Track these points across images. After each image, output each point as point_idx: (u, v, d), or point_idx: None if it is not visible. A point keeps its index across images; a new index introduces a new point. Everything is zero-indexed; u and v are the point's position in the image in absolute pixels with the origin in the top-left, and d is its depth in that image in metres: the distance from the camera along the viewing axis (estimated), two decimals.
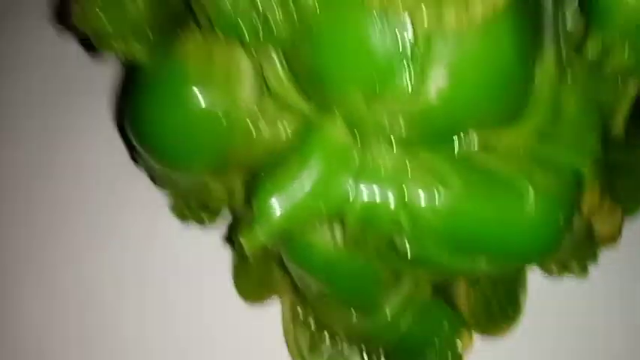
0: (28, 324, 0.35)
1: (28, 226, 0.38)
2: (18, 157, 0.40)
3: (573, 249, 0.29)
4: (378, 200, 0.24)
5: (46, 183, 0.39)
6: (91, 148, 0.39)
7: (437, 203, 0.23)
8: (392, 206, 0.24)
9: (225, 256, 0.36)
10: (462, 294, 0.31)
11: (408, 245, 0.24)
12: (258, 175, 0.25)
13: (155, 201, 0.37)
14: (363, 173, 0.24)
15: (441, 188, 0.23)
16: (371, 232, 0.24)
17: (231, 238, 0.35)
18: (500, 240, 0.24)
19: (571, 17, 0.24)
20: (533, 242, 0.24)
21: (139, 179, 0.36)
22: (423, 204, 0.23)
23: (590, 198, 0.25)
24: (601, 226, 0.28)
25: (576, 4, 0.24)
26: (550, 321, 0.34)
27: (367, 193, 0.24)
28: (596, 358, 0.33)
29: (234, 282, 0.35)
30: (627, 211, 0.29)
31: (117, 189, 0.38)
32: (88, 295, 0.36)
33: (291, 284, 0.33)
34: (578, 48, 0.23)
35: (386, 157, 0.24)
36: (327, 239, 0.26)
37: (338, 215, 0.24)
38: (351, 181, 0.24)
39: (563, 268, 0.34)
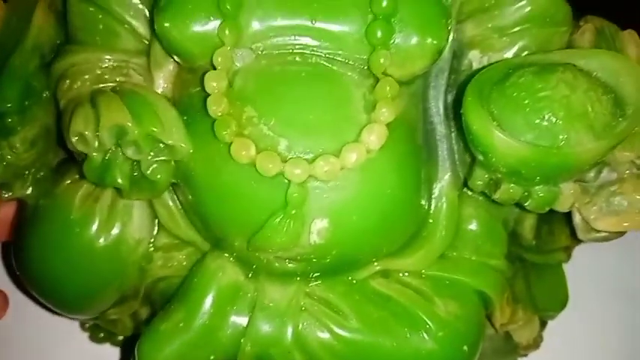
0: None
1: None
2: None
3: (496, 355, 0.28)
4: (270, 338, 0.22)
5: None
6: None
7: (332, 340, 0.22)
8: (286, 344, 0.22)
9: None
10: None
11: None
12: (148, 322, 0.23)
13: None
14: (255, 311, 0.23)
15: (336, 325, 0.22)
16: None
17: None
18: None
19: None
20: None
21: None
22: (317, 341, 0.22)
23: (501, 315, 0.24)
24: (519, 336, 0.27)
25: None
26: None
27: (259, 331, 0.22)
28: None
29: None
30: (546, 314, 0.28)
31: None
32: None
33: None
34: (466, 178, 0.23)
35: (279, 293, 0.23)
36: None
37: (231, 353, 0.23)
38: (242, 320, 0.22)
39: None
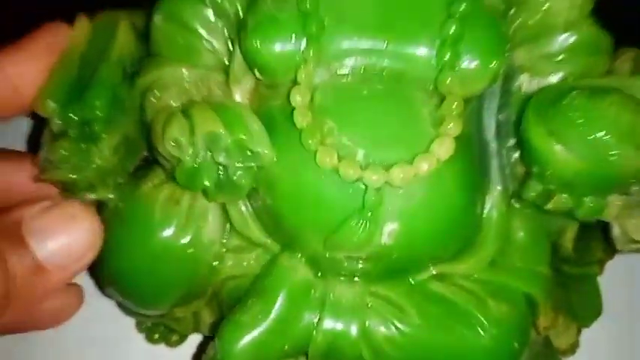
0: None
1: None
2: None
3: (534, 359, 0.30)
4: (339, 333, 0.24)
5: None
6: None
7: (396, 335, 0.24)
8: (353, 338, 0.24)
9: None
10: None
11: None
12: (225, 315, 0.25)
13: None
14: (325, 308, 0.25)
15: (399, 321, 0.24)
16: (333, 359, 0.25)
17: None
18: None
19: (514, 150, 0.26)
20: None
21: None
22: (382, 336, 0.24)
23: (544, 319, 0.26)
24: (558, 341, 0.29)
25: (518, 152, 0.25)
26: None
27: (329, 327, 0.25)
28: None
29: None
30: (583, 322, 0.30)
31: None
32: None
33: None
34: (520, 189, 0.25)
35: (346, 291, 0.25)
36: None
37: (301, 350, 0.25)
38: (313, 316, 0.25)
39: None
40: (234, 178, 0.24)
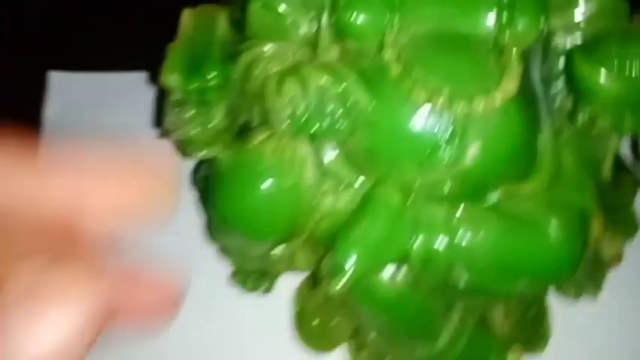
0: None
1: None
2: None
3: (585, 272, 0.36)
4: (435, 245, 0.30)
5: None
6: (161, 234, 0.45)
7: (483, 240, 0.30)
8: (446, 247, 0.30)
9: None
10: (499, 321, 0.37)
11: (463, 275, 0.30)
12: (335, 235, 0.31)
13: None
14: (419, 227, 0.30)
15: (484, 229, 0.30)
16: (431, 269, 0.30)
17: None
18: (535, 266, 0.30)
19: (559, 98, 0.32)
20: (559, 264, 0.30)
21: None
22: (472, 242, 0.30)
23: (596, 227, 0.32)
24: (607, 250, 0.34)
25: (561, 87, 0.31)
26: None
27: (425, 239, 0.30)
28: None
29: (299, 334, 0.40)
30: (625, 236, 0.35)
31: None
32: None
33: (353, 332, 0.39)
34: (570, 118, 0.31)
35: (436, 212, 0.30)
36: (390, 281, 0.32)
37: (402, 260, 0.30)
38: (410, 232, 0.30)
39: (580, 290, 0.40)
40: (337, 124, 0.30)
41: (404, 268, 0.31)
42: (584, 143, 0.33)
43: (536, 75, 0.32)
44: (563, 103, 0.31)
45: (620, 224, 0.35)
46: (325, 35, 0.32)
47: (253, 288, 0.42)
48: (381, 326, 0.34)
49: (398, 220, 0.30)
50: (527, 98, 0.30)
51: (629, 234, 0.35)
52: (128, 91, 0.52)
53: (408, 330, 0.34)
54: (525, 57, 0.31)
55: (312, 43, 0.32)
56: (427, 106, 0.28)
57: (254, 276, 0.42)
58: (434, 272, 0.30)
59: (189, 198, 0.46)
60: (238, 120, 0.35)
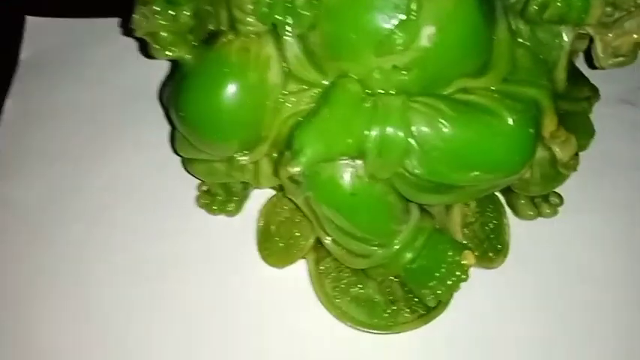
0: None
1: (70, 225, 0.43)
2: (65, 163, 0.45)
3: (543, 181, 0.37)
4: (391, 132, 0.31)
5: (90, 195, 0.44)
6: (128, 164, 0.46)
7: (437, 129, 0.31)
8: (402, 135, 0.31)
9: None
10: (457, 228, 0.38)
11: (418, 165, 0.31)
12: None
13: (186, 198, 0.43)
14: (377, 114, 0.31)
15: (438, 118, 0.31)
16: (387, 159, 0.31)
17: None
18: (488, 155, 0.31)
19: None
20: (513, 153, 0.31)
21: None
22: (426, 131, 0.31)
23: (549, 122, 0.33)
24: (561, 152, 0.35)
25: None
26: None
27: (382, 128, 0.31)
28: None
29: (261, 254, 0.40)
30: (579, 146, 0.37)
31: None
32: (136, 276, 0.41)
33: (313, 245, 0.39)
34: (522, 13, 0.32)
35: (393, 101, 0.31)
36: (348, 176, 0.32)
37: (359, 150, 0.31)
38: (368, 120, 0.31)
39: (537, 209, 0.41)
40: (300, 9, 0.31)
41: (361, 163, 0.31)
42: (539, 45, 0.34)
43: None
44: (517, 1, 0.33)
45: (574, 130, 0.36)
46: None
47: (219, 210, 0.42)
48: (340, 226, 0.34)
49: (356, 109, 0.31)
50: None
51: (583, 140, 0.37)
52: (103, 36, 0.53)
53: (367, 227, 0.34)
54: None
55: None
56: None
57: (220, 199, 0.42)
58: (389, 162, 0.31)
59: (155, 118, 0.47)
60: (206, 26, 0.36)
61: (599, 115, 0.42)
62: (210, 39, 0.35)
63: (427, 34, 0.30)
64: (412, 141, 0.31)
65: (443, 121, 0.31)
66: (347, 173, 0.32)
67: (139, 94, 0.49)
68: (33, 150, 0.47)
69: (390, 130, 0.31)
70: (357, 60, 0.31)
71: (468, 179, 0.32)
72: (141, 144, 0.46)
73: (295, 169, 0.30)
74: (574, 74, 0.36)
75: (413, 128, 0.31)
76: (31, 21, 0.54)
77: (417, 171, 0.31)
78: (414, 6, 0.29)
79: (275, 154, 0.35)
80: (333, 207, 0.34)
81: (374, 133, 0.31)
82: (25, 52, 0.52)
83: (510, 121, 0.31)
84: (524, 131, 0.31)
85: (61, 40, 0.53)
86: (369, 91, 0.32)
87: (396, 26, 0.30)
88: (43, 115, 0.49)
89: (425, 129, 0.31)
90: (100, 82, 0.50)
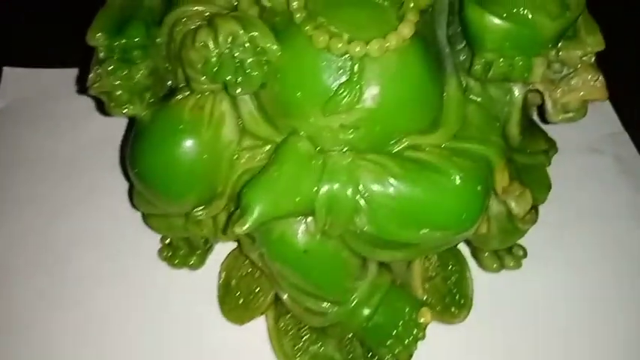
0: None
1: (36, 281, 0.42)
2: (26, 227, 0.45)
3: (501, 236, 0.36)
4: (339, 190, 0.31)
5: (54, 244, 0.44)
6: (93, 215, 0.46)
7: (385, 187, 0.30)
8: (350, 194, 0.30)
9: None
10: (418, 287, 0.38)
11: (367, 222, 0.31)
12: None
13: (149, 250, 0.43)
14: (325, 172, 0.31)
15: (386, 176, 0.31)
16: (336, 217, 0.31)
17: None
18: (437, 210, 0.31)
19: (463, 52, 0.34)
20: (461, 207, 0.31)
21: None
22: (374, 189, 0.30)
23: (501, 178, 0.33)
24: (516, 207, 0.35)
25: (464, 41, 0.33)
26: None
27: (330, 186, 0.31)
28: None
29: (222, 309, 0.40)
30: (535, 200, 0.36)
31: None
32: (98, 328, 0.40)
33: (273, 301, 0.39)
34: (469, 70, 0.32)
35: (341, 159, 0.31)
36: (300, 233, 0.32)
37: (308, 208, 0.31)
38: (316, 178, 0.31)
39: (500, 261, 0.41)
40: (249, 70, 0.31)
41: (311, 219, 0.31)
42: (491, 102, 0.34)
43: (442, 33, 0.34)
44: (466, 59, 0.33)
45: (531, 184, 0.36)
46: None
47: (181, 263, 0.42)
48: (294, 283, 0.34)
49: (304, 167, 0.31)
50: (427, 48, 0.32)
51: (540, 194, 0.36)
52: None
53: (321, 284, 0.34)
54: (431, 15, 0.33)
55: (235, 5, 0.34)
56: (327, 51, 0.29)
57: (182, 252, 0.42)
58: (339, 220, 0.31)
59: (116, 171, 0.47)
60: (164, 83, 0.36)
61: (565, 163, 0.43)
62: (168, 96, 0.36)
63: (371, 94, 0.30)
64: (360, 199, 0.31)
65: (391, 179, 0.31)
66: (299, 230, 0.32)
67: (110, 145, 0.50)
68: (3, 197, 0.47)
69: (338, 188, 0.31)
70: (305, 119, 0.31)
71: (418, 237, 0.32)
72: (109, 195, 0.46)
73: (242, 229, 0.30)
74: (530, 128, 0.37)
75: (361, 187, 0.31)
76: (7, 71, 0.55)
77: (366, 229, 0.31)
78: (356, 68, 0.30)
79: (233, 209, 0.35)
80: (286, 264, 0.33)
81: (322, 191, 0.31)
82: (1, 102, 0.53)
83: (457, 179, 0.31)
84: (471, 189, 0.31)
85: (36, 90, 0.54)
86: (319, 148, 0.32)
87: (340, 87, 0.30)
88: (15, 163, 0.49)
89: (373, 187, 0.31)
90: (73, 132, 0.51)
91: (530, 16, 0.29)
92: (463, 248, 0.41)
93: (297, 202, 0.31)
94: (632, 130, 0.50)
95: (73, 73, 0.54)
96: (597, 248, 0.43)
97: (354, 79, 0.30)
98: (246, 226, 0.30)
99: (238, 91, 0.32)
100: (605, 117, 0.51)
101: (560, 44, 0.32)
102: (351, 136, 0.31)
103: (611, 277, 0.42)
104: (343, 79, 0.30)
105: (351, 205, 0.31)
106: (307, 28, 0.30)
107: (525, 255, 0.41)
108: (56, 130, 0.51)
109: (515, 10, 0.29)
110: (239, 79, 0.31)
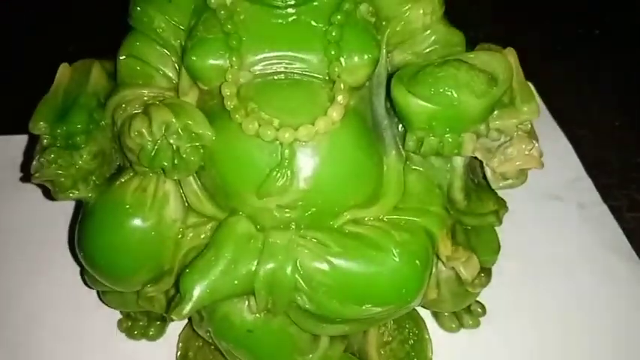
0: None
1: None
2: None
3: (454, 299, 0.36)
4: (278, 270, 0.31)
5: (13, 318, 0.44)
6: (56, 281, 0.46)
7: (322, 266, 0.31)
8: (289, 273, 0.31)
9: None
10: (374, 354, 0.37)
11: (308, 301, 0.31)
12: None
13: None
14: (264, 252, 0.31)
15: (324, 254, 0.31)
16: (277, 296, 0.31)
17: None
18: (377, 286, 0.31)
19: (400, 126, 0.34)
20: (400, 284, 0.31)
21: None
22: (311, 267, 0.31)
23: (444, 247, 0.33)
24: (464, 272, 0.35)
25: None
26: None
27: (268, 266, 0.31)
28: None
29: None
30: (484, 259, 0.36)
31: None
32: None
33: None
34: (403, 144, 0.33)
35: (280, 237, 0.31)
36: (244, 312, 0.32)
37: (249, 289, 0.31)
38: (255, 259, 0.31)
39: (459, 320, 0.40)
40: (185, 155, 0.31)
41: (253, 298, 0.31)
42: (433, 170, 0.34)
43: (380, 105, 0.34)
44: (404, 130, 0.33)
45: (478, 247, 0.36)
46: (184, 79, 0.34)
47: (141, 335, 0.42)
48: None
49: (242, 249, 0.31)
50: (362, 125, 0.32)
51: (488, 256, 0.36)
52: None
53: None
54: (369, 89, 0.34)
55: (176, 87, 0.35)
56: (258, 137, 0.30)
57: (142, 323, 0.42)
58: (279, 299, 0.31)
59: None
60: (112, 163, 0.37)
61: (525, 211, 0.43)
62: (115, 175, 0.36)
63: (303, 177, 0.30)
64: (299, 278, 0.31)
65: (329, 257, 0.31)
66: (242, 310, 0.33)
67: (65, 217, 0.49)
68: None
69: (277, 267, 0.31)
70: (243, 201, 0.32)
71: (360, 312, 0.31)
72: (68, 268, 0.46)
73: (181, 315, 0.30)
74: (477, 190, 0.37)
75: (299, 266, 0.31)
76: None
77: (307, 306, 0.31)
78: (287, 153, 0.30)
79: None
80: (231, 343, 0.34)
81: (261, 271, 0.31)
82: None
83: (395, 255, 0.31)
84: (409, 264, 0.31)
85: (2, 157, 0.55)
86: (260, 226, 0.32)
87: (272, 171, 0.30)
88: None
89: (311, 266, 0.31)
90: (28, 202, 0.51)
91: (455, 95, 0.29)
92: (421, 308, 0.41)
93: (235, 285, 0.31)
94: (595, 173, 0.50)
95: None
96: (558, 302, 0.43)
97: (285, 163, 0.30)
98: (184, 312, 0.30)
99: (175, 176, 0.32)
100: (566, 162, 0.50)
101: (495, 113, 0.32)
102: (289, 215, 0.32)
103: (573, 332, 0.41)
104: (275, 163, 0.30)
105: (291, 284, 0.31)
106: (237, 116, 0.30)
107: (484, 312, 0.41)
108: (23, 202, 0.51)
109: (441, 90, 0.30)
110: (176, 164, 0.32)
